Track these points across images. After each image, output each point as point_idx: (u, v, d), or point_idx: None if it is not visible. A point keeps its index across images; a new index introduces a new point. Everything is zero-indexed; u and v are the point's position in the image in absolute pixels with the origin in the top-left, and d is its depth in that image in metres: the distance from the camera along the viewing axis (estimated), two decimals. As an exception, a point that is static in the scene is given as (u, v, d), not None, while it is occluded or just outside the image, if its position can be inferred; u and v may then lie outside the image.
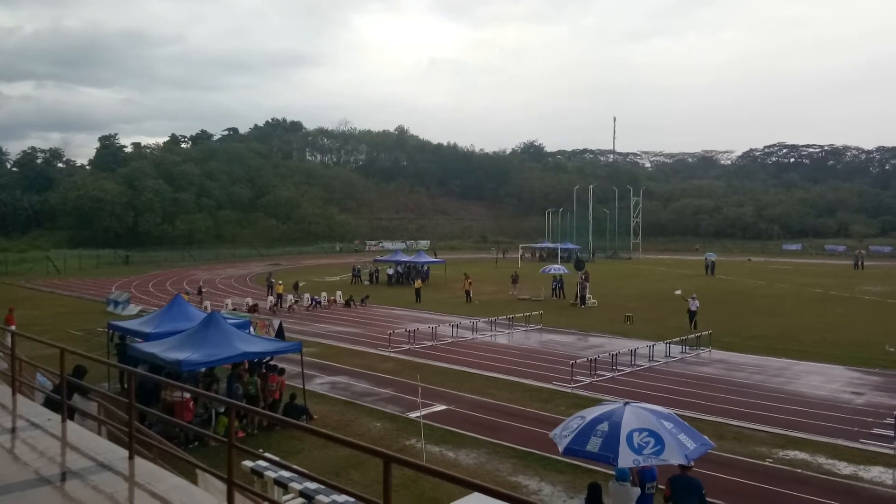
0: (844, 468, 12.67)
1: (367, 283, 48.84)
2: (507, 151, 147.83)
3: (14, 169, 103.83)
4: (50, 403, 8.93)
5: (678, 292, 31.88)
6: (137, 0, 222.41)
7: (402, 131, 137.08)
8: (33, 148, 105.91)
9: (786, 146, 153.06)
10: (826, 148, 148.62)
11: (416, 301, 37.81)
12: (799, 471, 12.54)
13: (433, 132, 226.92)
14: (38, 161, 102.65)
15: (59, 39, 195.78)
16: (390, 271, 50.44)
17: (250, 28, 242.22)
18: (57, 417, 7.51)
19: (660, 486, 9.61)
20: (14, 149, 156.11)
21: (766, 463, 12.95)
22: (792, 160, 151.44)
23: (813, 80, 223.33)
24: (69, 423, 7.41)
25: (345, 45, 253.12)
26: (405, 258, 52.45)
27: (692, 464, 8.85)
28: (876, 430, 14.73)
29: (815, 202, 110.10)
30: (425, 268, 49.87)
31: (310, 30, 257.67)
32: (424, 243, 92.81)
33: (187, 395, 14.16)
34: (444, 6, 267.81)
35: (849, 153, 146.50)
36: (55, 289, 46.15)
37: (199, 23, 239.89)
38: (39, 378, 12.46)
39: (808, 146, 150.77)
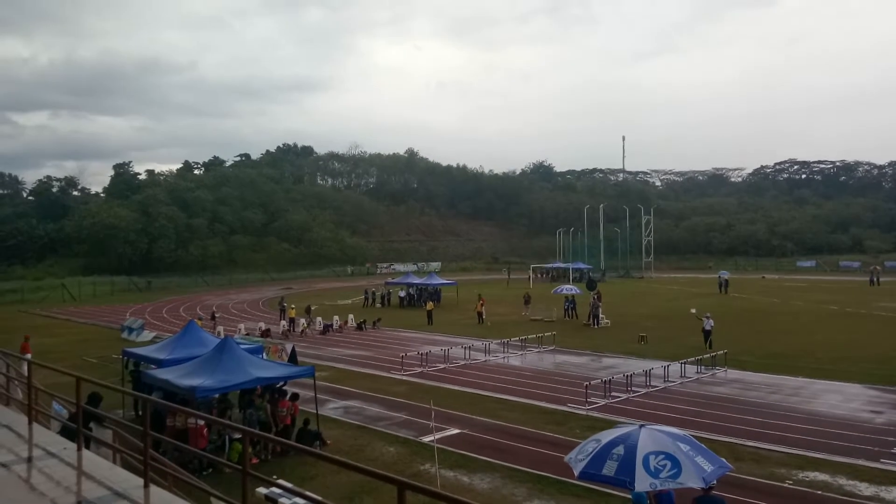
0: (866, 489, 12.45)
1: (378, 305, 48.88)
2: (517, 172, 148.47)
3: (30, 198, 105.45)
4: (66, 432, 8.98)
5: (693, 311, 31.68)
6: (151, 29, 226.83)
7: (411, 154, 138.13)
8: (49, 177, 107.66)
9: (797, 162, 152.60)
10: (838, 164, 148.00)
11: (428, 323, 37.77)
12: (819, 492, 12.34)
13: (443, 154, 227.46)
14: (54, 189, 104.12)
15: (73, 69, 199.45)
16: (402, 294, 50.48)
17: (260, 55, 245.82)
18: (73, 446, 7.55)
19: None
20: (30, 178, 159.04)
21: (786, 485, 12.76)
22: (803, 176, 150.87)
23: (823, 95, 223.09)
24: (85, 452, 7.45)
25: (354, 69, 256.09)
26: (417, 280, 52.51)
27: (714, 484, 8.76)
28: (897, 450, 14.50)
29: (829, 218, 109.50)
30: (437, 290, 49.89)
31: (319, 55, 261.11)
32: (436, 265, 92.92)
33: (201, 422, 14.19)
34: (452, 29, 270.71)
35: (861, 168, 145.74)
36: (71, 316, 46.51)
37: (211, 50, 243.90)
38: (55, 406, 12.54)
39: (819, 162, 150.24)
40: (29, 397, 8.79)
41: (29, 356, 19.53)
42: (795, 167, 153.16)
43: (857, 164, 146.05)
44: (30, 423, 8.62)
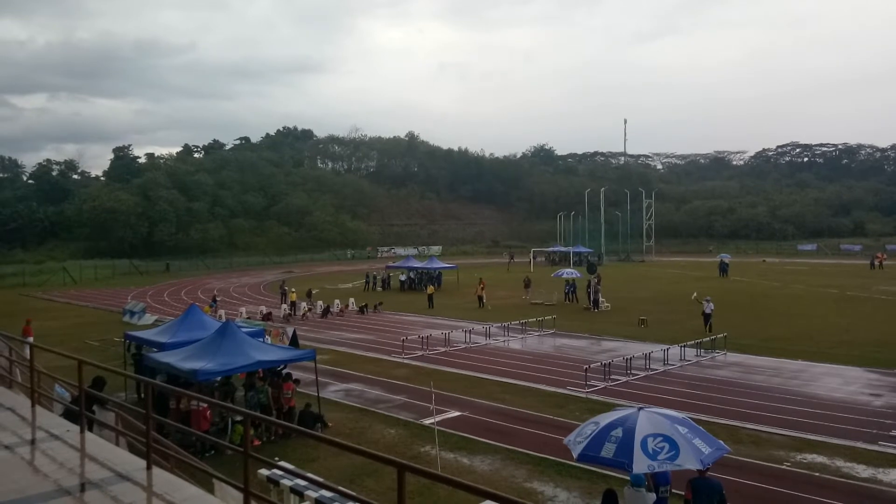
0: (863, 471, 12.55)
1: (379, 289, 48.94)
2: (518, 155, 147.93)
3: (30, 181, 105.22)
4: (69, 414, 9.03)
5: (694, 296, 31.71)
6: (149, 10, 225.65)
7: (412, 137, 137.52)
8: (49, 160, 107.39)
9: (799, 146, 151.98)
10: (840, 147, 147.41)
11: (429, 307, 37.85)
12: (817, 474, 12.44)
13: (443, 137, 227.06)
14: (54, 173, 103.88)
15: (71, 51, 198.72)
16: (403, 277, 50.54)
17: (260, 36, 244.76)
18: (75, 428, 7.60)
19: (674, 491, 9.58)
20: (29, 161, 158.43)
21: (784, 466, 12.85)
22: (805, 159, 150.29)
23: (825, 77, 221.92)
24: (88, 434, 7.50)
25: (353, 51, 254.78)
26: (417, 264, 52.53)
27: (708, 467, 8.83)
28: (895, 433, 14.57)
29: (830, 201, 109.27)
30: (438, 273, 49.93)
31: (318, 37, 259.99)
32: (436, 249, 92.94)
33: (204, 405, 14.27)
34: (452, 10, 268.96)
35: (863, 151, 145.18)
36: (72, 300, 46.62)
37: (210, 32, 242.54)
38: (58, 389, 12.61)
39: (821, 145, 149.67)
40: (31, 380, 8.83)
41: (31, 339, 19.63)
42: (797, 150, 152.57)
43: (860, 147, 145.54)
44: (33, 405, 8.67)
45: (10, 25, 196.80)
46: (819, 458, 13.20)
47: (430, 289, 41.50)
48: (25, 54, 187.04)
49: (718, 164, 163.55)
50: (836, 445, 13.89)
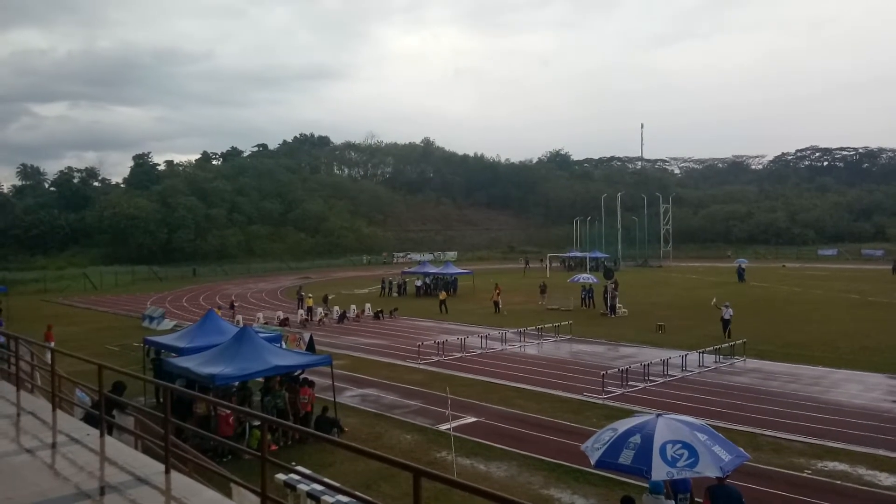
0: (885, 479, 12.34)
1: (395, 294, 49.01)
2: (534, 160, 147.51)
3: (52, 188, 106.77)
4: (89, 419, 9.14)
5: (713, 301, 31.44)
6: (167, 19, 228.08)
7: (428, 143, 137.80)
8: (70, 167, 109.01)
9: (819, 149, 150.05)
10: (860, 150, 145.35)
11: (441, 313, 37.78)
12: (838, 482, 12.25)
13: (459, 143, 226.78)
14: (75, 180, 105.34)
15: (92, 60, 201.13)
16: (418, 283, 50.58)
17: (277, 44, 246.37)
18: (95, 432, 7.69)
19: (697, 500, 9.48)
20: (51, 168, 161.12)
21: (804, 474, 12.68)
22: (825, 164, 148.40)
23: (844, 80, 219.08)
24: (107, 438, 7.58)
25: (369, 58, 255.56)
26: (433, 270, 52.56)
27: (727, 475, 8.72)
28: (919, 440, 14.33)
29: (851, 206, 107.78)
30: (454, 279, 49.92)
31: (335, 44, 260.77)
32: (452, 255, 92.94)
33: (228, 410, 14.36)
34: (468, 16, 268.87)
35: (884, 155, 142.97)
36: (92, 305, 47.18)
37: (228, 40, 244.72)
38: (78, 394, 12.76)
39: (841, 149, 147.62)
40: (52, 384, 8.95)
41: (52, 344, 19.87)
42: (817, 154, 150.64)
43: (881, 150, 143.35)
44: (53, 409, 8.78)
45: (33, 34, 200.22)
46: (840, 466, 13.01)
47: (443, 294, 41.42)
48: (47, 63, 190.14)
49: (737, 168, 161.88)
50: (858, 453, 13.68)
